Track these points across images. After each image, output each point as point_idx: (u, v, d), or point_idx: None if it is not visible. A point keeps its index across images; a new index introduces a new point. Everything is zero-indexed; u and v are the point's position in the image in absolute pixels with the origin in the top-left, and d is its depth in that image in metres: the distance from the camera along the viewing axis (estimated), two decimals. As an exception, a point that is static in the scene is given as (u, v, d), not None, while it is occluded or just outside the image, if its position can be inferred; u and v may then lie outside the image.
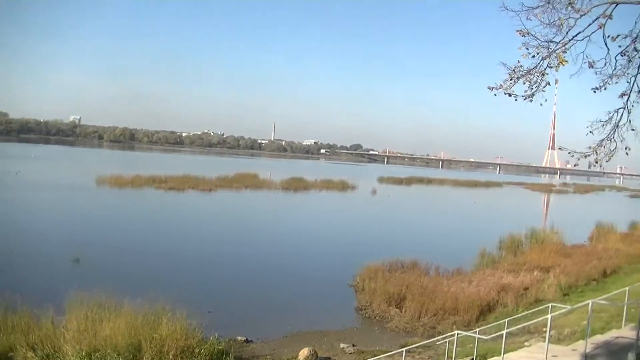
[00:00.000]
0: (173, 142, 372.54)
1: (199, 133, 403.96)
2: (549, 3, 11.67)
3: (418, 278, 29.23)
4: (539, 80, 12.03)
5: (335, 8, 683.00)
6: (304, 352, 19.48)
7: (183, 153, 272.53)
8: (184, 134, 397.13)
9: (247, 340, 21.44)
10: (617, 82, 12.20)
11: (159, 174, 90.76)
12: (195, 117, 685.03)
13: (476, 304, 25.52)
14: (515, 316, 21.83)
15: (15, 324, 16.73)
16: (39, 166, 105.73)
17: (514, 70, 11.99)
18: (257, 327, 23.10)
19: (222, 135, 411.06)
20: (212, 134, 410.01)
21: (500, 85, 12.01)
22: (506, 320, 19.36)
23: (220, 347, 18.07)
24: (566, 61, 11.72)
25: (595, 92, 12.21)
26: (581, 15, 11.56)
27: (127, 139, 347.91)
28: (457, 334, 17.10)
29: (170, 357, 16.39)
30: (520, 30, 11.70)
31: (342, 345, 21.63)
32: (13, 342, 15.53)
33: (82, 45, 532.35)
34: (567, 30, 11.76)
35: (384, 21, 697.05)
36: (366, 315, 26.21)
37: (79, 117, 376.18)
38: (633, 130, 12.45)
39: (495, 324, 20.69)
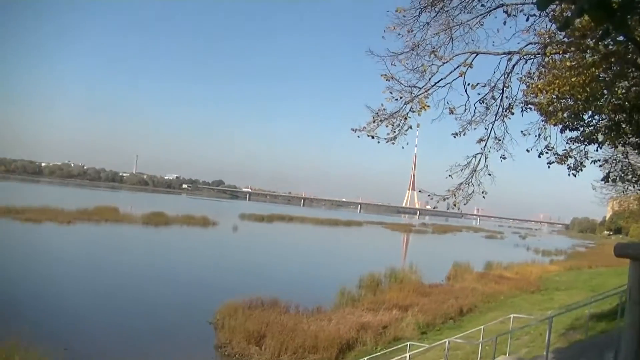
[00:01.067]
0: (32, 171, 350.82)
1: (59, 163, 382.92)
2: (413, 50, 12.03)
3: (278, 316, 28.85)
4: (401, 124, 12.30)
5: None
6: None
7: (42, 184, 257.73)
8: (43, 164, 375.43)
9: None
10: (475, 128, 12.76)
11: (15, 204, 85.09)
12: (56, 147, 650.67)
13: (336, 342, 25.48)
14: (374, 354, 22.04)
15: None
16: None
17: (377, 113, 12.18)
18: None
19: (83, 166, 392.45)
20: (72, 165, 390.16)
21: (364, 127, 12.15)
22: (365, 358, 19.46)
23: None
24: (428, 106, 12.08)
25: (455, 137, 12.69)
26: (443, 63, 12.02)
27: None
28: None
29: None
30: (385, 75, 11.94)
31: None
32: None
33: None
34: (430, 76, 12.17)
35: (239, 51, 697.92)
36: (226, 353, 25.42)
37: None
38: (490, 175, 13.01)
39: (354, 362, 20.75)
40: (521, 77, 12.55)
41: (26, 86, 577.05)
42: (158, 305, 34.25)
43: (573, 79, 11.04)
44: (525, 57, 12.19)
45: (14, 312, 27.32)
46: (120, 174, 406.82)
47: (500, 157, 12.88)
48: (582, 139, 13.92)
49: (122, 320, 29.80)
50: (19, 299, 31.62)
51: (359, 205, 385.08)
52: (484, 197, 13.05)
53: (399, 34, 12.00)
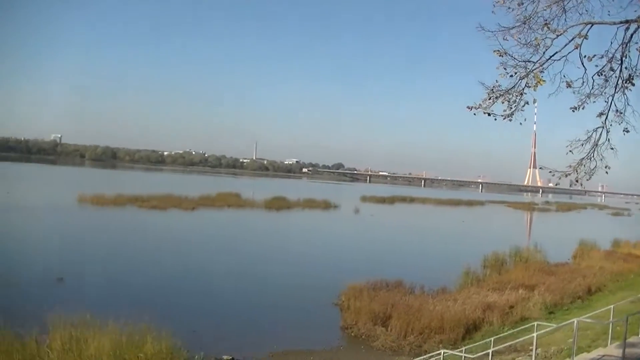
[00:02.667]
0: (155, 160, 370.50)
1: (180, 152, 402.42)
2: (524, 24, 11.86)
3: (403, 297, 29.26)
4: (517, 100, 12.18)
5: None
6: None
7: (165, 172, 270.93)
8: (165, 153, 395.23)
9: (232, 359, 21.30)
10: (594, 102, 12.40)
11: (141, 192, 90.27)
12: (177, 136, 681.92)
13: (462, 322, 25.56)
14: (501, 335, 21.90)
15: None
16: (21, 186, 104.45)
17: (492, 90, 12.13)
18: (242, 345, 22.86)
19: (204, 154, 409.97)
20: (193, 152, 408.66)
21: (479, 104, 12.13)
22: (492, 338, 19.41)
23: (205, 366, 17.96)
24: (544, 81, 11.88)
25: (573, 111, 12.41)
26: (557, 36, 11.75)
27: (108, 158, 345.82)
28: (444, 353, 17.13)
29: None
30: (498, 50, 11.85)
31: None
32: None
33: (64, 61, 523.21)
34: (544, 50, 11.95)
35: (354, 39, 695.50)
36: (352, 334, 26.07)
37: (59, 136, 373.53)
38: (612, 149, 12.63)
39: (481, 342, 20.75)
40: (640, 47, 12.04)
41: (147, 78, 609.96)
42: (283, 287, 35.56)
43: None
44: (644, 25, 11.69)
45: (146, 296, 29.28)
46: (241, 160, 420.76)
47: (623, 131, 12.42)
48: None
49: (250, 301, 31.27)
50: (149, 282, 34.00)
51: (480, 185, 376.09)
52: (607, 172, 12.67)
53: (509, 8, 11.85)
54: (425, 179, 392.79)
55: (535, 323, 19.41)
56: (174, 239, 53.85)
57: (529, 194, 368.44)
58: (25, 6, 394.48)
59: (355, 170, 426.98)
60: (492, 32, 11.84)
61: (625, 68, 12.15)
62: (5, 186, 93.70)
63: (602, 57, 11.99)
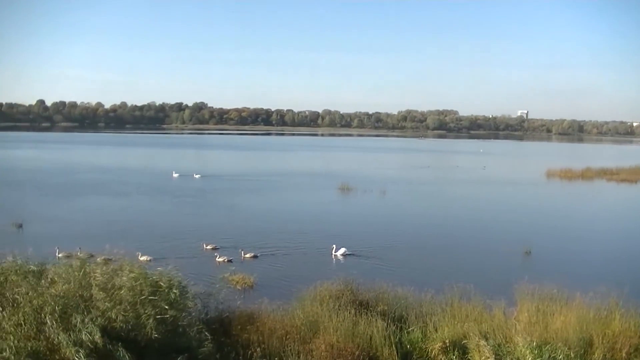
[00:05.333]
0: (623, 132, 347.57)
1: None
2: None
3: None
4: None
5: None
6: None
7: (635, 144, 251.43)
8: (635, 124, 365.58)
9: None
10: None
11: (610, 165, 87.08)
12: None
13: None
14: None
15: (469, 313, 17.33)
16: (489, 161, 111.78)
17: None
18: None
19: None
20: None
21: None
22: None
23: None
24: None
25: None
26: None
27: (575, 131, 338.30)
28: None
29: (623, 355, 15.38)
30: None
31: None
32: (466, 330, 16.11)
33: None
34: None
35: None
36: None
37: (526, 112, 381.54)
38: None
39: None
40: None
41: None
42: None
43: None
44: None
45: (619, 274, 27.36)
46: None
47: None
48: None
49: None
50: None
51: None
52: None
53: None
54: None
55: None
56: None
57: None
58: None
59: None
60: None
61: None
62: (482, 162, 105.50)
63: None
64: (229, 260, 29.99)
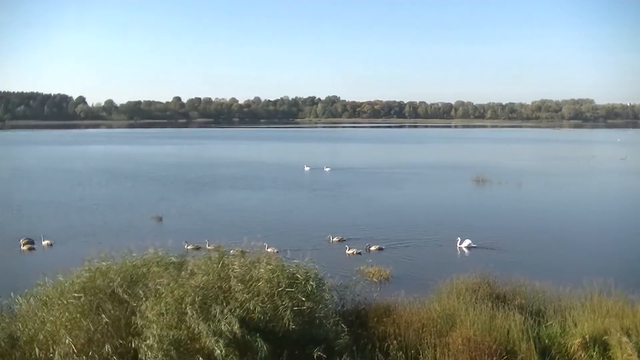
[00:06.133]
0: None
1: None
2: None
3: None
4: None
5: None
6: None
7: None
8: None
9: None
10: None
11: None
12: None
13: None
14: None
15: (610, 308, 16.40)
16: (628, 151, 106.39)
17: None
18: None
19: None
20: None
21: None
22: None
23: None
24: None
25: None
26: None
27: None
28: None
29: None
30: None
31: None
32: (607, 325, 15.15)
33: None
34: None
35: None
36: None
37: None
38: None
39: None
40: None
41: None
42: None
43: None
44: None
45: None
46: None
47: None
48: None
49: None
50: None
51: None
52: None
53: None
54: None
55: None
56: None
57: None
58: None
59: None
60: None
61: None
62: (621, 152, 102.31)
63: None
64: (358, 253, 30.40)
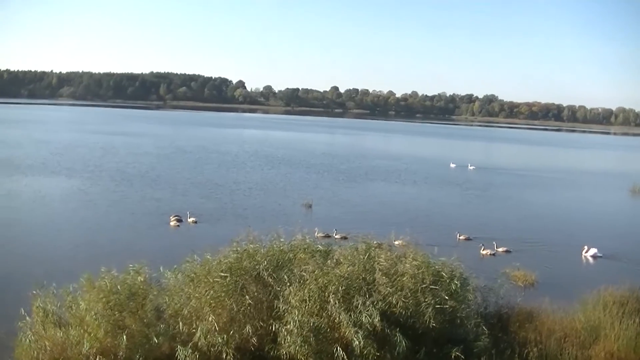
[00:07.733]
0: None
1: None
2: None
3: None
4: None
5: None
6: None
7: None
8: None
9: None
10: None
11: None
12: None
13: None
14: None
15: None
16: None
17: None
18: None
19: None
20: None
21: None
22: None
23: None
24: None
25: None
26: None
27: None
28: None
29: None
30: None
31: None
32: None
33: None
34: None
35: None
36: None
37: None
38: None
39: None
40: None
41: None
42: None
43: None
44: None
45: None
46: None
47: None
48: None
49: None
50: None
51: None
52: None
53: None
54: None
55: None
56: None
57: None
58: None
59: None
60: None
61: None
62: None
63: None
64: (492, 254, 29.56)
